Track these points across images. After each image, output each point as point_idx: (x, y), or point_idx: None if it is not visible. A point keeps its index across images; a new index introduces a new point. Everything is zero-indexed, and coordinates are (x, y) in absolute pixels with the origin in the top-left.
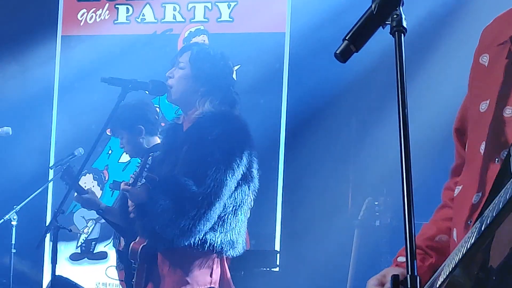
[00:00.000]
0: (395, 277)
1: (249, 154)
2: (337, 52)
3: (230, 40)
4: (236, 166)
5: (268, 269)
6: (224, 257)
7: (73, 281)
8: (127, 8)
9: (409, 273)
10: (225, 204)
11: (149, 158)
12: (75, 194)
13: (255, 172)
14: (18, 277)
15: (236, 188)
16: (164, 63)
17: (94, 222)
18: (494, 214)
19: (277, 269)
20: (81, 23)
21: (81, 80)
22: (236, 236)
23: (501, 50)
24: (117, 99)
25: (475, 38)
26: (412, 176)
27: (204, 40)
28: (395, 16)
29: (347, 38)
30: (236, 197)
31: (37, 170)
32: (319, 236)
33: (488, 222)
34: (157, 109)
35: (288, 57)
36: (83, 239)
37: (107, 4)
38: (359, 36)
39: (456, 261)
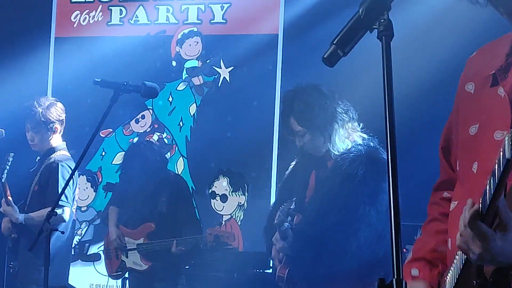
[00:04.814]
0: (381, 280)
1: None
2: (325, 56)
3: (223, 41)
4: None
5: (261, 270)
6: None
7: (67, 283)
8: (120, 9)
9: (395, 277)
10: None
11: None
12: None
13: None
14: (12, 279)
15: None
16: (157, 65)
17: (87, 224)
18: None
19: (270, 270)
20: (75, 25)
21: (74, 81)
22: None
23: (486, 80)
24: (110, 102)
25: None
26: (398, 180)
27: (197, 42)
28: (382, 20)
29: (334, 42)
30: None
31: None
32: None
33: None
34: (150, 111)
35: (281, 58)
36: (76, 241)
37: (101, 6)
38: (346, 41)
39: (457, 277)
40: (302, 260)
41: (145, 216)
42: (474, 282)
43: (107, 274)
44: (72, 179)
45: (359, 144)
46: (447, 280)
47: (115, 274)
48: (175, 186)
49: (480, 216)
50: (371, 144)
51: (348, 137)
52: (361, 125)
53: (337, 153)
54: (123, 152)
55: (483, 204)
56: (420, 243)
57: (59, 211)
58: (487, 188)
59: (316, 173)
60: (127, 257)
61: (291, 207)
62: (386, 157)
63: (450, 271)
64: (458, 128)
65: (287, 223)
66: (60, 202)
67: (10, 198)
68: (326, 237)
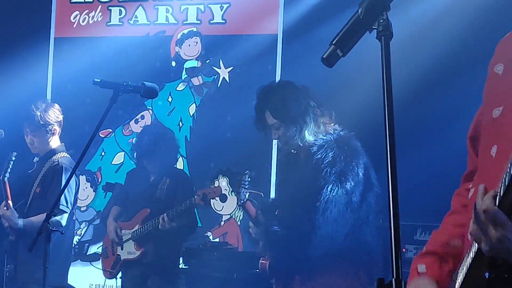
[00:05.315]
0: (380, 280)
1: None
2: (324, 56)
3: (223, 42)
4: None
5: (261, 270)
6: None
7: (66, 283)
8: (120, 10)
9: (394, 276)
10: None
11: None
12: None
13: None
14: (9, 281)
15: None
16: (157, 65)
17: (87, 224)
18: None
19: None
20: (74, 25)
21: (74, 81)
22: None
23: None
24: (109, 102)
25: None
26: (397, 179)
27: (196, 42)
28: (381, 20)
29: (333, 42)
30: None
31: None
32: None
33: None
34: (150, 111)
35: (281, 58)
36: (76, 241)
37: (100, 6)
38: (345, 41)
39: (467, 267)
40: (279, 245)
41: (142, 205)
42: (486, 275)
43: (101, 268)
44: (75, 183)
45: (330, 134)
46: (459, 272)
47: (110, 270)
48: (179, 180)
49: (497, 203)
50: (341, 133)
51: (319, 130)
52: (333, 117)
53: (308, 144)
54: (123, 152)
55: (501, 189)
56: (435, 235)
57: (58, 216)
58: (506, 171)
59: (290, 163)
60: (122, 249)
61: (243, 179)
62: (357, 144)
63: (463, 262)
64: (484, 112)
65: (241, 200)
66: (60, 207)
67: (10, 202)
68: (297, 220)
